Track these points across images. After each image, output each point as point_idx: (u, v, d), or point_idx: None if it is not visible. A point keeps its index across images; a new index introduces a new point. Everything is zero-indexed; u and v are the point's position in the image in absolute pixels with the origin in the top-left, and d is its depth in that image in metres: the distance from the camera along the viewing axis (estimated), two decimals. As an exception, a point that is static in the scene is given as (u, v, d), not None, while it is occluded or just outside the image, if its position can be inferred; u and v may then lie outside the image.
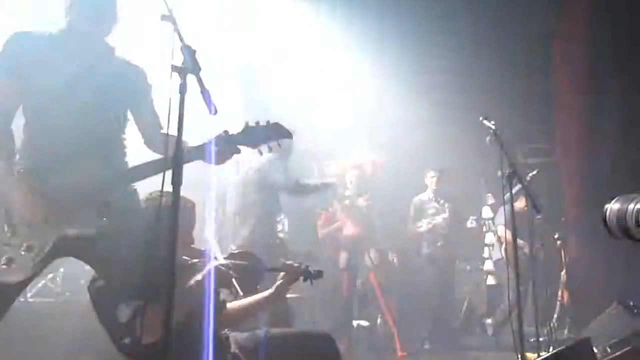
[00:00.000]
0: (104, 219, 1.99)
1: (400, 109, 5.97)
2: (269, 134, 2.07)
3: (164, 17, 1.70)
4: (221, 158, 2.06)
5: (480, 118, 3.07)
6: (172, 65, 1.64)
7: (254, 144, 2.07)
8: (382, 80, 6.10)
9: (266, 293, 2.33)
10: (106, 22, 2.12)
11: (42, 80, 1.97)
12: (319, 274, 2.33)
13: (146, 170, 2.05)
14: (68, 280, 4.76)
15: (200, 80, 1.59)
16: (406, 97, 6.07)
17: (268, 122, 2.09)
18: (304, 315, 5.01)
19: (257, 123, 2.08)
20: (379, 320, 5.46)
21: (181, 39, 1.67)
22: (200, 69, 1.59)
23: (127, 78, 2.18)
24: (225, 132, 2.06)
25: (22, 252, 1.90)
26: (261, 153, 2.10)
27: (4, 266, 1.87)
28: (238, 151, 2.08)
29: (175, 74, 1.61)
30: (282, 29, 5.72)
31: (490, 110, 6.10)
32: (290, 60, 5.90)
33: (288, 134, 2.10)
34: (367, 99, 6.18)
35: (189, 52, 1.63)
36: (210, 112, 1.57)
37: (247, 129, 2.06)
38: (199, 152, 2.02)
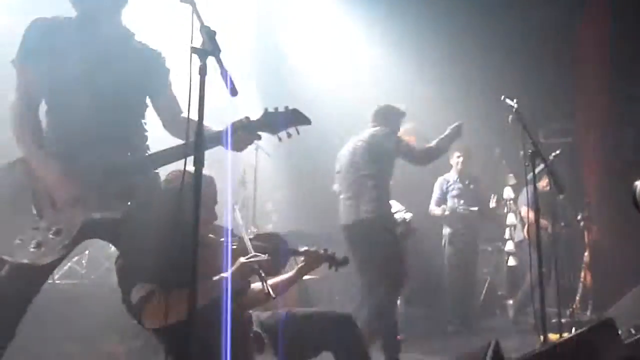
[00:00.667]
0: (129, 202, 2.02)
1: (422, 87, 5.90)
2: (289, 119, 2.08)
3: (183, -1, 1.70)
4: (241, 144, 2.08)
5: (502, 97, 3.01)
6: (191, 47, 1.64)
7: (273, 130, 2.08)
8: (401, 58, 6.05)
9: (287, 275, 2.35)
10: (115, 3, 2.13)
11: (62, 66, 2.00)
12: (344, 260, 2.33)
13: (168, 156, 2.06)
14: (93, 263, 4.86)
15: (220, 62, 1.59)
16: (428, 75, 6.02)
17: (287, 108, 2.09)
18: (324, 296, 5.05)
19: (276, 109, 2.09)
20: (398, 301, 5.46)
21: (200, 21, 1.66)
22: (220, 51, 1.59)
23: (145, 62, 2.19)
24: (247, 118, 2.07)
25: (51, 236, 1.94)
26: (280, 139, 2.10)
27: (33, 249, 1.91)
28: (258, 137, 2.09)
29: (195, 56, 1.62)
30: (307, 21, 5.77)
31: (512, 89, 6.06)
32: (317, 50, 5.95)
33: (306, 120, 2.10)
34: (388, 78, 6.12)
35: (209, 34, 1.62)
36: (230, 94, 1.56)
37: (267, 115, 2.07)
38: (219, 138, 2.04)
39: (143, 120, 2.27)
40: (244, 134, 2.04)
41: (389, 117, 3.86)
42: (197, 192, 1.55)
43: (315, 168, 5.69)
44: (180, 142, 2.15)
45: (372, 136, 3.74)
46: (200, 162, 1.57)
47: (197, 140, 1.60)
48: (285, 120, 2.07)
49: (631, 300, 4.22)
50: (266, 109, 2.07)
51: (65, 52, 2.01)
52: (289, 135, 2.10)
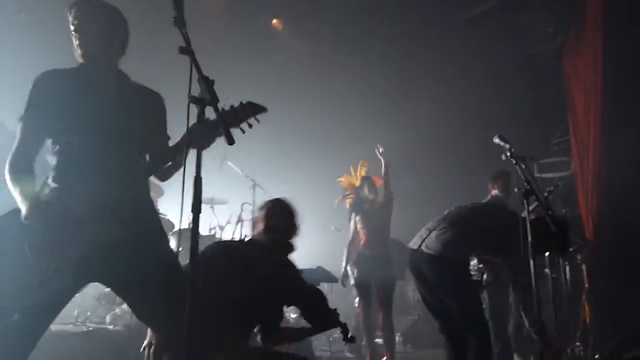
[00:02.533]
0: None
1: (418, 131, 6.02)
2: (245, 112, 2.15)
3: (182, 50, 1.77)
4: (205, 143, 2.02)
5: (494, 139, 3.07)
6: (190, 96, 1.70)
7: (237, 123, 2.12)
8: (397, 104, 6.19)
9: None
10: (113, 48, 2.26)
11: (67, 110, 2.11)
12: (352, 339, 2.63)
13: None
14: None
15: (217, 111, 1.65)
16: (424, 118, 6.14)
17: (241, 102, 2.16)
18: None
19: (232, 106, 2.15)
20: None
21: (199, 71, 1.73)
22: (217, 101, 1.65)
23: (143, 103, 2.30)
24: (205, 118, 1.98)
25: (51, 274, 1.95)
26: (243, 131, 2.16)
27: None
28: (220, 134, 1.98)
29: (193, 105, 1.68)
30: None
31: (507, 124, 6.18)
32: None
33: (262, 109, 2.18)
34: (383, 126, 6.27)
35: (207, 84, 1.69)
36: (227, 142, 1.61)
37: (224, 113, 2.07)
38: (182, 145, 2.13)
39: (142, 157, 2.32)
40: (208, 131, 1.98)
41: None
42: (194, 237, 1.58)
43: (315, 204, 5.73)
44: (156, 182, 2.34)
45: None
46: (198, 209, 1.61)
47: (196, 184, 1.64)
48: (243, 113, 2.15)
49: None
50: (222, 108, 2.02)
51: (69, 98, 2.14)
52: (250, 126, 2.17)
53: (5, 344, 1.91)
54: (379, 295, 5.10)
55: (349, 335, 2.60)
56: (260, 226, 2.67)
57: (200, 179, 1.65)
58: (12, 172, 2.06)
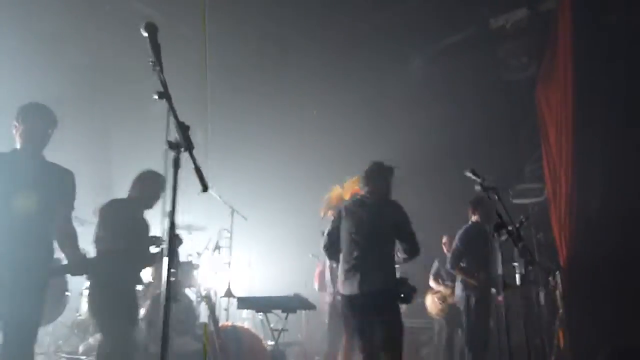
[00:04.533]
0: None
1: (393, 156, 6.11)
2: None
3: (160, 95, 1.81)
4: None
5: (466, 173, 3.16)
6: (167, 140, 1.73)
7: None
8: (375, 131, 6.28)
9: None
10: (43, 145, 2.98)
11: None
12: None
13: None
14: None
15: (193, 157, 1.68)
16: (400, 143, 6.24)
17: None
18: None
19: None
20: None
21: (175, 117, 1.76)
22: (193, 147, 1.68)
23: (58, 181, 3.00)
24: None
25: None
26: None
27: None
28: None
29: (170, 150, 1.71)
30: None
31: (482, 150, 6.30)
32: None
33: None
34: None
35: (183, 130, 1.73)
36: (202, 189, 1.64)
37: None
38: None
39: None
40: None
41: None
42: (170, 268, 1.60)
43: (293, 230, 5.76)
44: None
45: None
46: (173, 264, 1.63)
47: (171, 233, 1.67)
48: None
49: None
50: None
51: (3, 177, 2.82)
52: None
53: None
54: None
55: None
56: None
57: (174, 213, 1.67)
58: None
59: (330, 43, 6.39)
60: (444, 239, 6.05)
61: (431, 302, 6.02)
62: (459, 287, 5.08)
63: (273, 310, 4.50)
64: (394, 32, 6.35)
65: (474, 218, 5.15)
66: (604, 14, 5.92)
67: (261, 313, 4.57)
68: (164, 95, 1.79)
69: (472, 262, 4.99)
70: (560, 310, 5.43)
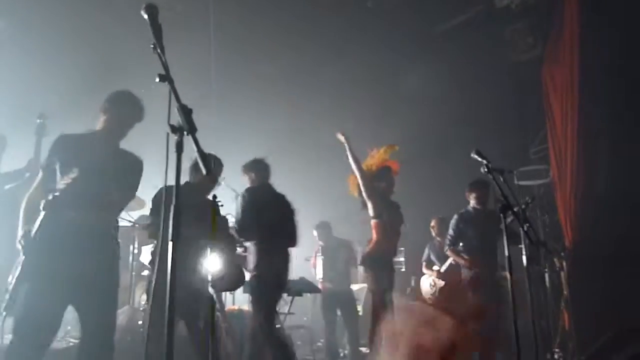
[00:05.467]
0: None
1: (404, 138, 6.08)
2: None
3: (161, 77, 1.78)
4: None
5: (472, 154, 3.13)
6: (169, 124, 1.71)
7: None
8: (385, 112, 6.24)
9: None
10: (122, 135, 3.02)
11: (75, 165, 2.66)
12: None
13: None
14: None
15: (195, 140, 1.66)
16: (410, 124, 6.21)
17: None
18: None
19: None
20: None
21: (178, 99, 1.74)
22: (196, 130, 1.66)
23: (128, 167, 2.99)
24: None
25: None
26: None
27: None
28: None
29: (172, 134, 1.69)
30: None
31: (488, 132, 6.26)
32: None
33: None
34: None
35: (185, 112, 1.70)
36: (204, 171, 1.63)
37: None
38: None
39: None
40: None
41: None
42: (173, 268, 1.59)
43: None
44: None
45: None
46: (178, 235, 1.63)
47: (175, 211, 1.66)
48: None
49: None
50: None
51: (77, 156, 2.80)
52: None
53: None
54: None
55: None
56: None
57: (179, 207, 1.67)
58: (27, 208, 2.81)
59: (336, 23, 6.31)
60: (432, 222, 6.04)
61: (422, 286, 6.05)
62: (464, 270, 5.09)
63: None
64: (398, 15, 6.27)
65: (470, 202, 5.16)
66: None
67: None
68: (166, 77, 1.77)
69: (466, 246, 5.03)
70: (565, 292, 5.44)
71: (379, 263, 4.49)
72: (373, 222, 4.56)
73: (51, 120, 4.29)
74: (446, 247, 5.12)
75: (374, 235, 4.55)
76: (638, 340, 4.24)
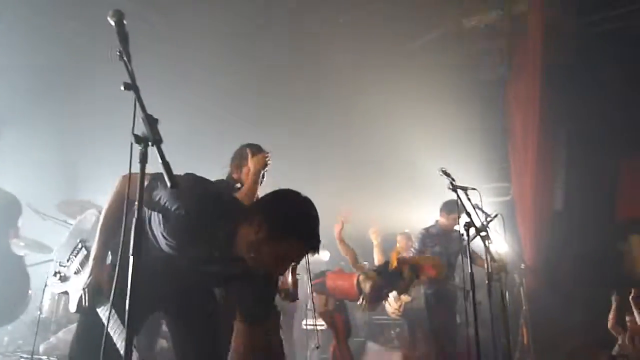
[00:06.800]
0: None
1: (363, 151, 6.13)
2: None
3: (126, 86, 1.73)
4: None
5: (438, 171, 3.19)
6: (133, 134, 1.66)
7: None
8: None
9: None
10: None
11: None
12: None
13: None
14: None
15: (160, 151, 1.61)
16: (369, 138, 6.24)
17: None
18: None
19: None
20: None
21: (143, 109, 1.69)
22: (161, 141, 1.61)
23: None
24: None
25: None
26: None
27: None
28: None
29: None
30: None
31: (454, 149, 6.37)
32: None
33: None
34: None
35: (151, 122, 1.66)
36: (169, 185, 1.58)
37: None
38: None
39: None
40: None
41: None
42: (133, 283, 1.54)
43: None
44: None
45: None
46: (139, 252, 1.57)
47: (137, 226, 1.61)
48: None
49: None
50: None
51: None
52: None
53: None
54: None
55: None
56: None
57: (142, 220, 1.62)
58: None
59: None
60: (398, 237, 6.11)
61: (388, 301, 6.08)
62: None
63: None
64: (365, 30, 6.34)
65: (440, 219, 5.29)
66: (573, 16, 6.06)
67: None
68: (131, 86, 1.72)
69: None
70: (524, 307, 5.54)
71: None
72: None
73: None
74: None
75: None
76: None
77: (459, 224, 5.20)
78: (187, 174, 2.16)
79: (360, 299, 4.79)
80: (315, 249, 1.94)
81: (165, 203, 2.03)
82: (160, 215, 2.09)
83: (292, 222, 1.90)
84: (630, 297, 4.84)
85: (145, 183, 1.94)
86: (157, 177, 2.04)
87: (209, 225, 2.00)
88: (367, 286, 4.68)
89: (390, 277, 4.66)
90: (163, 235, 2.10)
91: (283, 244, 1.89)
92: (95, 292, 2.16)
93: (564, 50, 6.32)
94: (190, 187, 2.05)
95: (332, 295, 5.08)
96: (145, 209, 2.12)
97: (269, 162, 3.28)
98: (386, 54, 6.29)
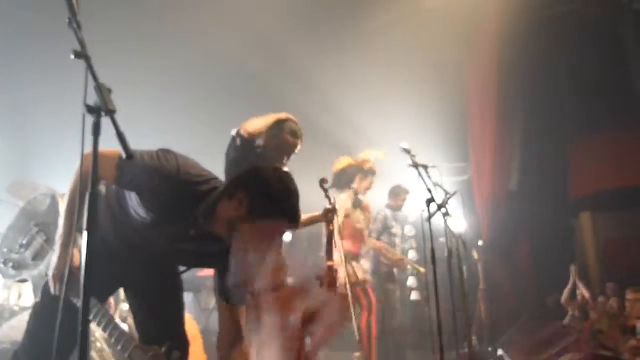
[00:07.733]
0: None
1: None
2: None
3: (77, 54, 1.65)
4: None
5: (401, 146, 3.21)
6: (85, 105, 1.59)
7: None
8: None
9: None
10: None
11: None
12: None
13: None
14: None
15: (115, 122, 1.55)
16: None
17: None
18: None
19: None
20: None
21: (95, 78, 1.62)
22: (115, 111, 1.55)
23: None
24: None
25: None
26: None
27: None
28: None
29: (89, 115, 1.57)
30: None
31: (415, 129, 6.44)
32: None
33: None
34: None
35: (104, 92, 1.59)
36: (124, 155, 1.52)
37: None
38: None
39: None
40: None
41: None
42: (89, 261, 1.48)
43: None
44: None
45: None
46: (94, 227, 1.51)
47: (91, 201, 1.54)
48: None
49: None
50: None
51: None
52: None
53: None
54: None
55: None
56: None
57: (96, 195, 1.56)
58: None
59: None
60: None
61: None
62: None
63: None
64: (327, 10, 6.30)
65: (389, 202, 5.40)
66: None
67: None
68: (82, 54, 1.64)
69: (389, 243, 5.20)
70: (481, 283, 5.72)
71: None
72: None
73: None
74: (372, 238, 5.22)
75: None
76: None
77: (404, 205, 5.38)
78: (162, 151, 2.05)
79: None
80: (296, 225, 1.90)
81: (138, 180, 1.95)
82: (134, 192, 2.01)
83: (276, 197, 1.83)
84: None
85: (117, 161, 1.88)
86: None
87: (183, 205, 1.93)
88: None
89: None
90: (135, 212, 2.02)
91: (266, 220, 1.84)
92: (66, 278, 2.04)
93: (520, 33, 6.45)
94: (158, 165, 1.96)
95: None
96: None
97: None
98: (346, 34, 6.26)
